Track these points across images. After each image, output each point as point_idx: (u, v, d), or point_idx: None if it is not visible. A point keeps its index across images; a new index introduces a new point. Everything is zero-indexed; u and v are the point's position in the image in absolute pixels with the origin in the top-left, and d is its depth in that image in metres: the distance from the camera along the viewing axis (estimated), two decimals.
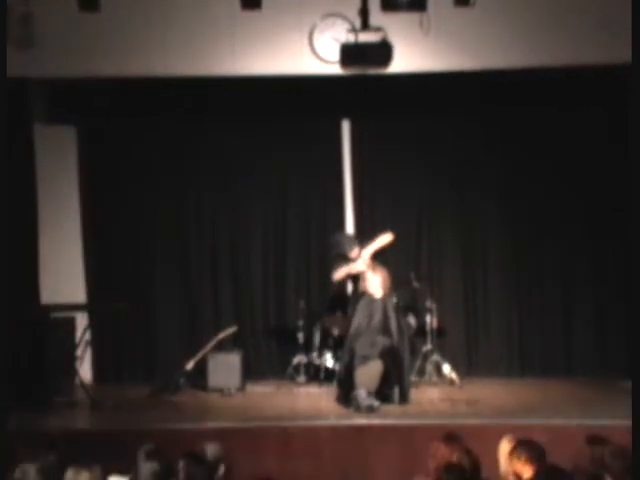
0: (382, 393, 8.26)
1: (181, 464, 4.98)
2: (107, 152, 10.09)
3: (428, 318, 9.47)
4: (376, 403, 8.07)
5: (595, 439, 5.20)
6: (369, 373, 8.21)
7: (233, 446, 6.80)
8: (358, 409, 8.02)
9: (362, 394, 8.07)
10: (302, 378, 9.49)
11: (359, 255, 8.92)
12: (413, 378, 8.94)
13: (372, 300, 8.50)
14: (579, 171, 9.88)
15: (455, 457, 5.03)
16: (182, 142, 10.09)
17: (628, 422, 5.53)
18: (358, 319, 8.48)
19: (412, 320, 9.43)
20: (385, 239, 9.01)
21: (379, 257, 9.01)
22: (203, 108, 9.72)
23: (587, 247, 9.91)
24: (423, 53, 8.63)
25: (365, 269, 8.79)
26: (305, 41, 8.71)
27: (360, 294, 8.67)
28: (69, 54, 8.68)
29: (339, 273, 9.08)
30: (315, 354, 9.53)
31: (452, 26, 8.59)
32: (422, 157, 10.15)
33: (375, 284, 8.52)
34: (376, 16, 8.36)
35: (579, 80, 9.14)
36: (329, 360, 9.43)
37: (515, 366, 10.00)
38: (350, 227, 10.20)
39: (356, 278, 9.01)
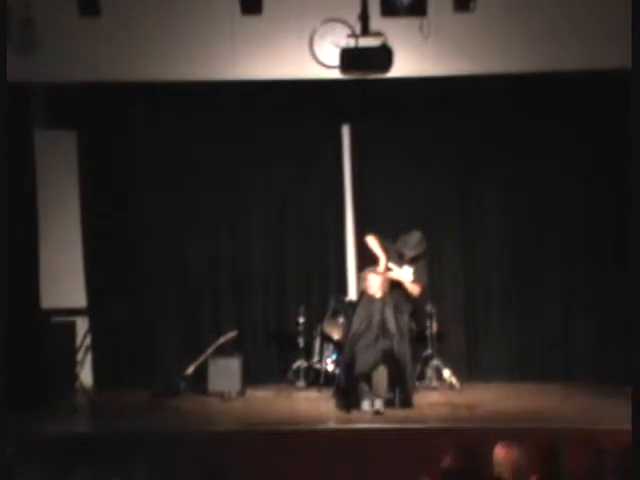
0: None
1: None
2: (107, 157, 10.09)
3: (428, 323, 9.48)
4: (382, 408, 8.08)
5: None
6: (376, 380, 8.20)
7: (233, 451, 6.82)
8: (365, 413, 8.05)
9: (366, 405, 8.10)
10: (302, 382, 9.48)
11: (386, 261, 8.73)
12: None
13: (371, 301, 8.48)
14: (581, 175, 9.87)
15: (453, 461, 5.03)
16: (182, 146, 10.09)
17: (628, 426, 5.53)
18: (357, 321, 8.46)
19: (412, 325, 9.42)
20: (411, 288, 8.78)
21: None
22: (203, 112, 9.73)
23: (587, 252, 9.91)
24: (423, 58, 8.66)
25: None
26: (305, 46, 8.73)
27: (360, 295, 8.65)
28: (69, 59, 8.70)
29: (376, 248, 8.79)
30: (315, 358, 9.53)
31: (452, 31, 8.62)
32: (422, 161, 10.13)
33: (375, 285, 8.50)
34: (376, 21, 8.38)
35: (579, 84, 9.15)
36: (329, 364, 9.43)
37: (515, 371, 9.99)
38: (350, 232, 10.21)
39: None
